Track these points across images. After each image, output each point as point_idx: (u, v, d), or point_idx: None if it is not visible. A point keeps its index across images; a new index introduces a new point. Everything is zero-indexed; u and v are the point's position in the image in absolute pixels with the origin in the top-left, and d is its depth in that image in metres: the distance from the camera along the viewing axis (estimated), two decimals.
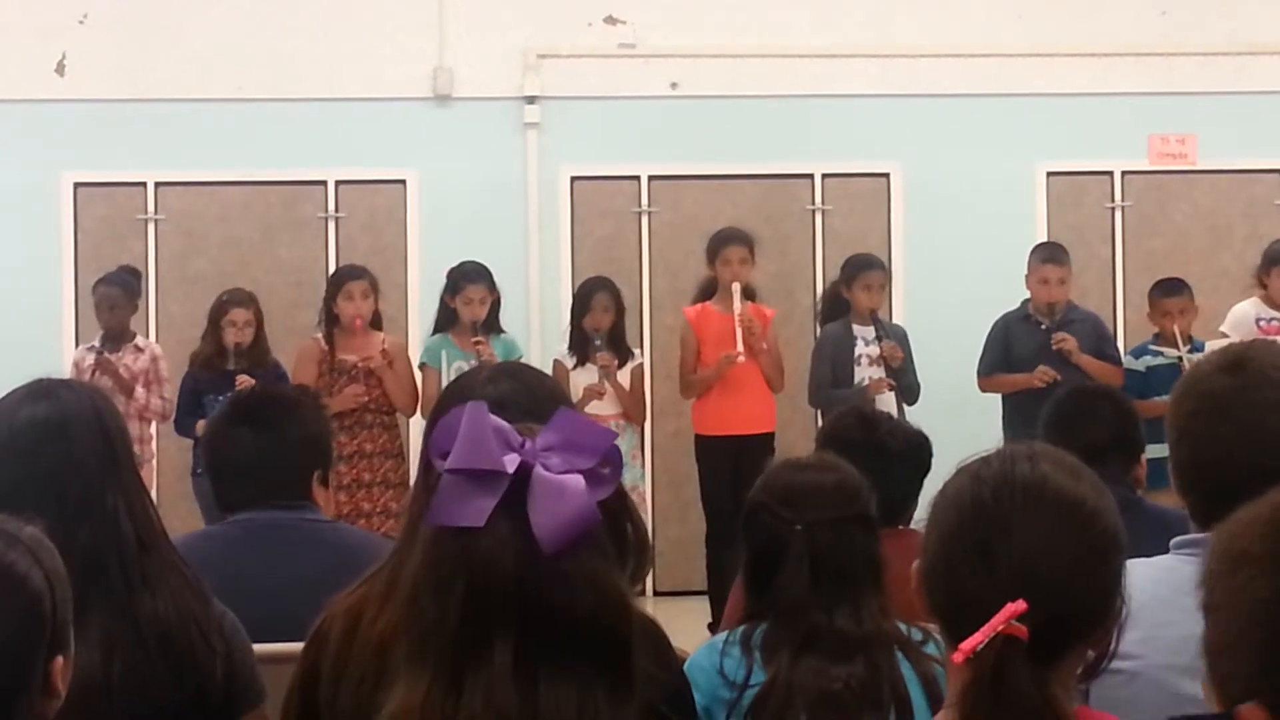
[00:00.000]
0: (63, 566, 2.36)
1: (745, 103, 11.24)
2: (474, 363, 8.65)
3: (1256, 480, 2.22)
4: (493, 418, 2.05)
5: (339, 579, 2.76)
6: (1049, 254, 9.62)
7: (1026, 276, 9.52)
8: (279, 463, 3.97)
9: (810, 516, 3.38)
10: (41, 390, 3.20)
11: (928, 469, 4.60)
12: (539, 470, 2.01)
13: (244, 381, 8.69)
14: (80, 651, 2.46)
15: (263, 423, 4.02)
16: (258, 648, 3.23)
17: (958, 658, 2.07)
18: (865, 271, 9.59)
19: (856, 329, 9.50)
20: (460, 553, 2.00)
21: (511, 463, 2.01)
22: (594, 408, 9.41)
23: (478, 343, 9.13)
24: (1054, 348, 9.21)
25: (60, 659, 2.33)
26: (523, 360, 9.29)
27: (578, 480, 2.01)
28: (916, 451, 4.67)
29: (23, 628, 2.28)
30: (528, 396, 2.81)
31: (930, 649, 3.25)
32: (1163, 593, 2.64)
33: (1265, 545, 1.95)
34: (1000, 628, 2.05)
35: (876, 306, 9.57)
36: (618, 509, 2.07)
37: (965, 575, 2.13)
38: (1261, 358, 2.83)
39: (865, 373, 9.40)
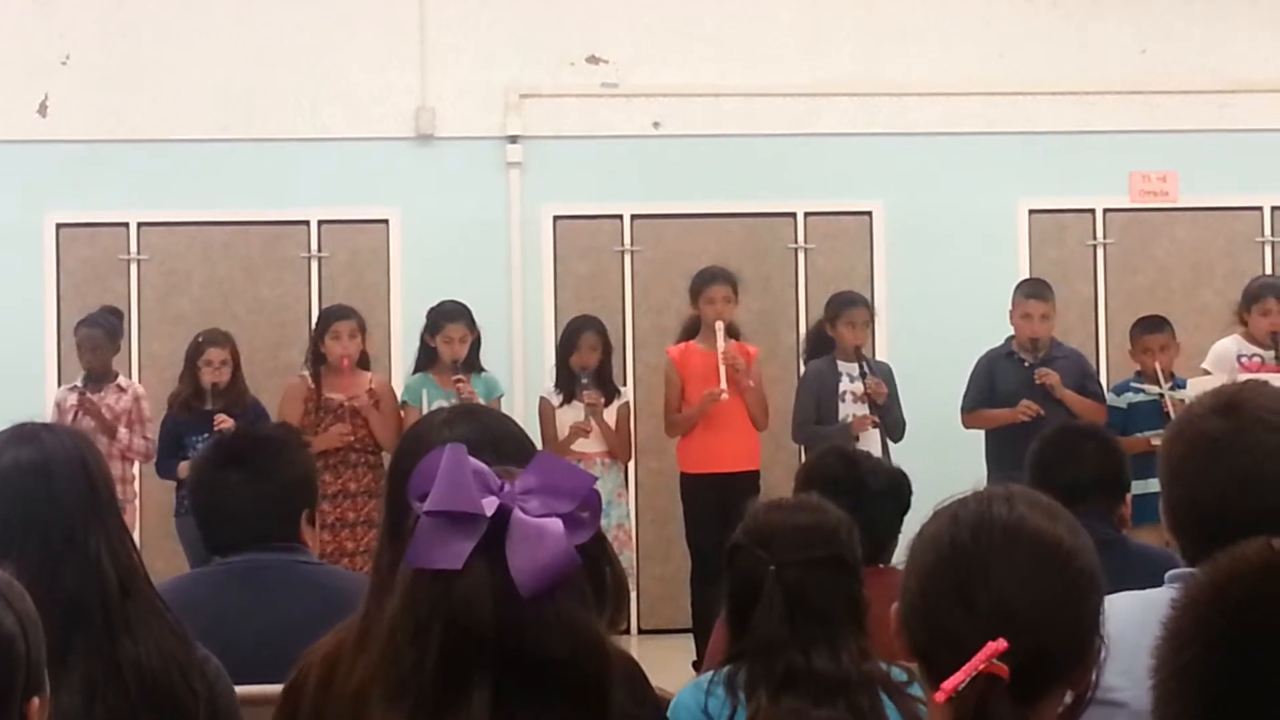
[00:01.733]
0: (34, 609, 2.35)
1: (727, 141, 11.26)
2: (455, 401, 8.66)
3: (1249, 523, 2.21)
4: (472, 460, 2.04)
5: (329, 620, 2.75)
6: (1033, 289, 9.64)
7: (1010, 312, 9.54)
8: (269, 506, 3.92)
9: (783, 557, 3.38)
10: (25, 434, 3.20)
11: (908, 508, 4.61)
12: (517, 513, 2.00)
13: (223, 421, 8.67)
14: (62, 696, 2.46)
15: (250, 465, 3.96)
16: (243, 690, 3.22)
17: (940, 697, 2.07)
18: (849, 308, 9.61)
19: (841, 366, 9.51)
20: (438, 595, 2.00)
21: (490, 505, 2.00)
22: (580, 445, 9.42)
23: (458, 381, 9.13)
24: (1036, 382, 9.23)
25: (36, 700, 2.32)
26: (502, 398, 9.35)
27: (556, 524, 2.00)
28: (897, 490, 4.68)
29: None
30: (486, 438, 2.78)
31: (915, 690, 3.23)
32: (1152, 623, 2.64)
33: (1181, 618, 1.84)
34: (981, 666, 2.06)
35: (860, 343, 9.60)
36: (596, 553, 2.07)
37: (944, 616, 2.14)
38: (1255, 400, 2.81)
39: (849, 409, 9.41)
